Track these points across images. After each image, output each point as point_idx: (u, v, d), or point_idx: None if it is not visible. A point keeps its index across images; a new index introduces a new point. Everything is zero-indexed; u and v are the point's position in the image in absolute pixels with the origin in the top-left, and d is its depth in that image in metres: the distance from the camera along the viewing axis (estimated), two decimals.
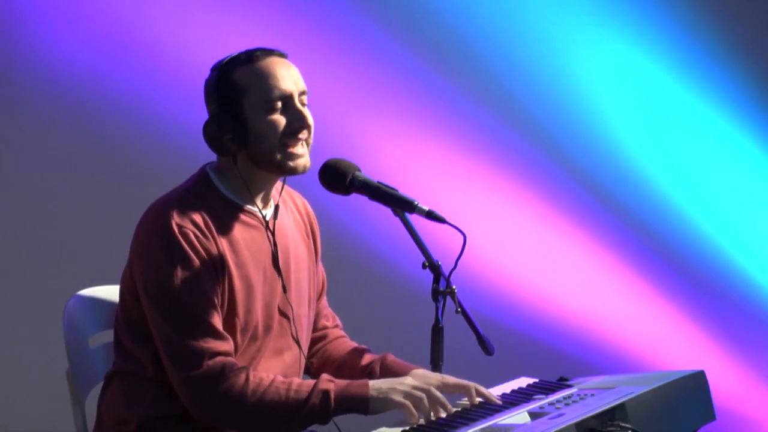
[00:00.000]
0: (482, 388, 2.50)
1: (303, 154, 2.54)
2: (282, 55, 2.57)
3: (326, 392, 2.42)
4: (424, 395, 2.40)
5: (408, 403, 2.39)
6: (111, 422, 2.56)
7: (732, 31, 4.53)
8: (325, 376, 2.47)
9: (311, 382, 2.45)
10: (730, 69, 4.53)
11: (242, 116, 2.50)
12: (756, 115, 4.56)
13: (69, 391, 2.70)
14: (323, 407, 2.41)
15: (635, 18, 4.51)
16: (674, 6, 4.52)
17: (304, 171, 2.55)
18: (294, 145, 2.52)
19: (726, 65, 4.52)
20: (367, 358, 2.73)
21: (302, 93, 2.55)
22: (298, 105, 2.53)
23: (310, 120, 2.54)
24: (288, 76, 2.53)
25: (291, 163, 2.52)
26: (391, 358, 2.71)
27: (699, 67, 4.53)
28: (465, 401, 2.49)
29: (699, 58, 4.52)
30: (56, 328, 2.77)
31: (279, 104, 2.51)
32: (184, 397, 2.45)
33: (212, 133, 2.51)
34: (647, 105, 4.56)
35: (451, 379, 2.49)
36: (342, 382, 2.45)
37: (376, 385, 2.43)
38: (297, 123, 2.52)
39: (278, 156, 2.51)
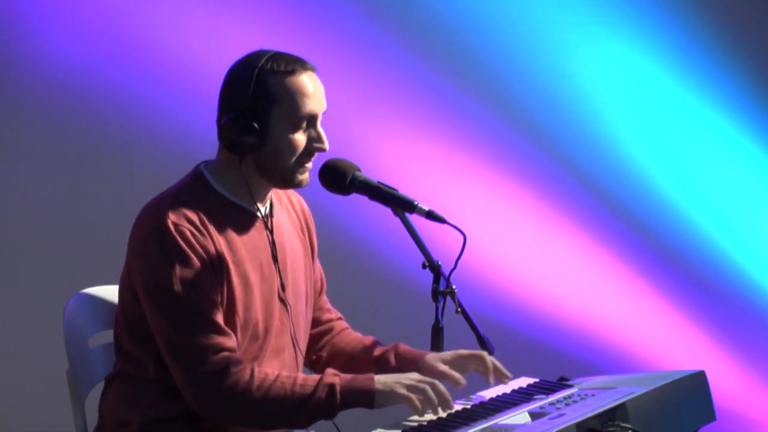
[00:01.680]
0: (495, 361, 2.62)
1: (309, 168, 2.56)
2: (314, 69, 2.56)
3: (332, 386, 2.42)
4: (428, 387, 2.40)
5: (413, 396, 2.39)
6: (112, 424, 2.56)
7: (732, 31, 4.53)
8: (330, 370, 2.47)
9: (316, 376, 2.45)
10: (730, 69, 4.52)
11: (267, 124, 2.49)
12: (756, 115, 4.55)
13: (69, 391, 2.70)
14: (329, 401, 2.41)
15: (635, 18, 4.51)
16: (674, 6, 4.51)
17: (305, 185, 2.57)
18: (307, 162, 2.54)
19: (726, 65, 4.52)
20: (379, 350, 2.74)
21: (323, 112, 2.56)
22: (320, 127, 2.54)
23: (327, 144, 2.54)
24: (319, 96, 2.54)
25: (299, 177, 2.53)
26: (403, 347, 2.73)
27: (699, 67, 4.53)
28: (465, 402, 2.49)
29: (699, 58, 4.52)
30: (56, 328, 2.77)
31: (305, 123, 2.51)
32: (188, 395, 2.45)
33: (230, 130, 2.49)
34: (647, 105, 4.55)
35: (464, 352, 2.61)
36: (347, 376, 2.45)
37: (381, 379, 2.43)
38: (317, 146, 2.53)
39: (290, 172, 2.51)
